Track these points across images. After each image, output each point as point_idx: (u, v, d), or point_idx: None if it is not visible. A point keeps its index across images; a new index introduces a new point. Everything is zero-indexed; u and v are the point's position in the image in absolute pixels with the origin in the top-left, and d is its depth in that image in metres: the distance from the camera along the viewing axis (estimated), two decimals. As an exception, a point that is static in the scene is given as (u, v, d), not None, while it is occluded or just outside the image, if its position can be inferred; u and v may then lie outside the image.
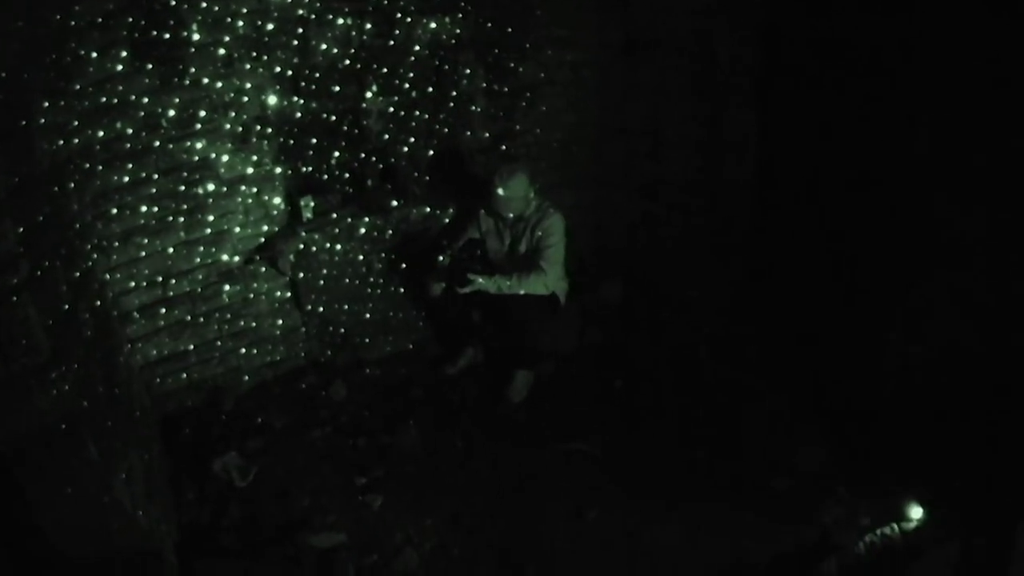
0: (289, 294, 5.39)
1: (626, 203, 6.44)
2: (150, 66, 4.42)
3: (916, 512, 4.31)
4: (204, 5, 4.52)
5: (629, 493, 4.70)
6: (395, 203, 5.64)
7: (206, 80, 4.67)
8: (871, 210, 4.95)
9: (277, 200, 5.17)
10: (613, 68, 6.11)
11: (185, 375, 5.14)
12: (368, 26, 5.18)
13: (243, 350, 5.34)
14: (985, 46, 4.12)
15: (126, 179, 4.53)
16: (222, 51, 4.68)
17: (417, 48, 5.41)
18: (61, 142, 3.99)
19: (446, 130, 5.73)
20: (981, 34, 4.12)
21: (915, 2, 4.42)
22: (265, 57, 4.86)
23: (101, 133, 4.34)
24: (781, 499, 4.62)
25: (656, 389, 5.53)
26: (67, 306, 3.31)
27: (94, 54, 4.20)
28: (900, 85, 4.65)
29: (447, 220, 5.88)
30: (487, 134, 5.92)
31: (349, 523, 4.44)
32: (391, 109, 5.48)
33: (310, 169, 5.35)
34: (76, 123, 4.19)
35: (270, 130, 5.01)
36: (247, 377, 5.41)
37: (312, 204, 5.30)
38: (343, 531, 4.37)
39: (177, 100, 4.58)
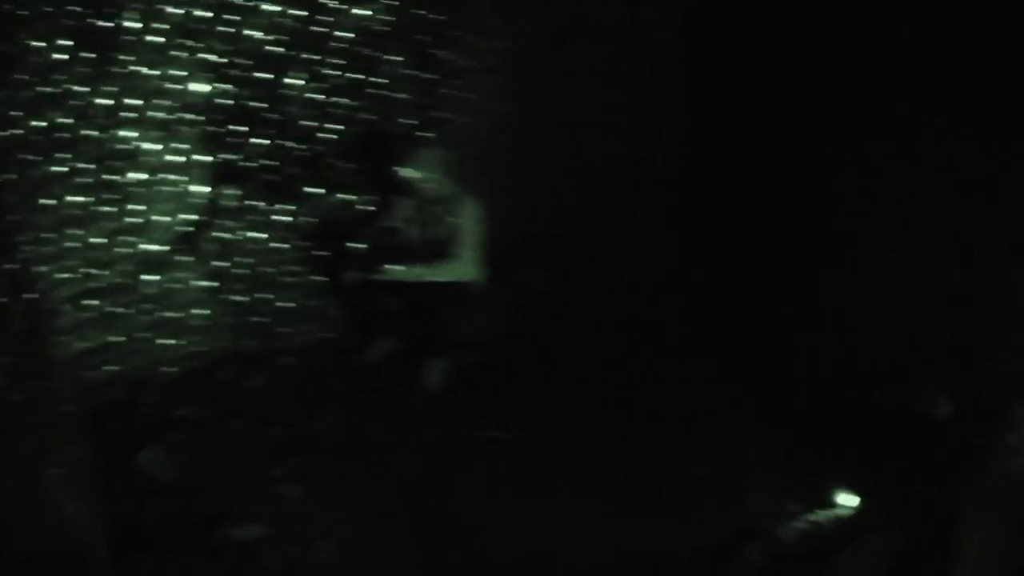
0: (209, 283, 6.00)
1: (548, 189, 7.18)
2: (90, 55, 5.00)
3: (848, 499, 4.83)
4: None
5: (549, 480, 5.28)
6: (314, 190, 6.30)
7: (138, 68, 5.24)
8: (790, 201, 5.82)
9: (199, 189, 5.80)
10: (540, 56, 6.87)
11: (113, 367, 5.66)
12: (296, 12, 5.81)
13: (167, 341, 5.90)
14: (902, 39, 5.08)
15: (62, 170, 5.10)
16: (156, 39, 5.26)
17: (343, 34, 6.05)
18: (4, 133, 4.61)
19: (368, 117, 6.37)
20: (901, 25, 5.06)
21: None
22: (195, 44, 5.45)
23: (41, 123, 4.90)
24: (702, 485, 5.22)
25: (576, 374, 6.25)
26: (3, 299, 3.82)
27: (39, 43, 4.78)
28: (825, 76, 5.50)
29: (364, 207, 6.54)
30: (409, 121, 6.60)
31: (269, 514, 4.96)
32: (314, 96, 6.12)
33: (232, 157, 5.93)
34: (18, 113, 4.75)
35: (195, 118, 5.61)
36: (171, 368, 5.96)
37: (232, 192, 5.94)
38: (263, 522, 4.89)
39: (111, 89, 5.17)
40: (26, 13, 4.72)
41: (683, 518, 4.96)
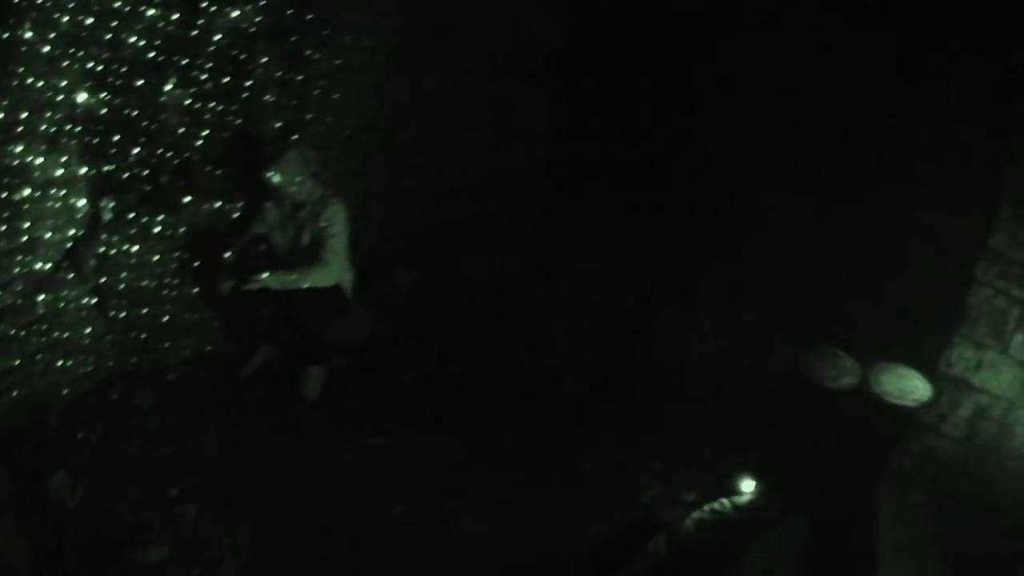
0: (94, 300, 5.85)
1: (417, 188, 7.33)
2: None
3: (747, 484, 5.10)
4: (38, 1, 4.97)
5: (434, 483, 5.50)
6: (187, 200, 6.22)
7: (30, 80, 5.05)
8: (661, 193, 6.28)
9: (81, 202, 5.62)
10: (408, 52, 7.00)
11: (15, 392, 5.48)
12: (174, 16, 5.71)
13: (60, 362, 5.72)
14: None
15: None
16: (47, 49, 5.09)
17: (217, 38, 6.00)
18: None
19: (238, 121, 6.34)
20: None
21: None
22: (81, 53, 5.29)
23: None
24: (590, 480, 5.51)
25: (452, 377, 6.46)
26: None
27: None
28: (698, 74, 5.95)
29: (235, 215, 6.53)
30: (278, 124, 6.62)
31: (169, 536, 4.99)
32: (187, 102, 6.02)
33: (112, 168, 5.79)
34: None
35: (78, 129, 5.45)
36: (67, 390, 5.80)
37: (111, 205, 5.76)
38: (165, 545, 4.93)
39: (5, 103, 5.00)
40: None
41: (575, 515, 5.23)
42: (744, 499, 5.07)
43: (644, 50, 6.39)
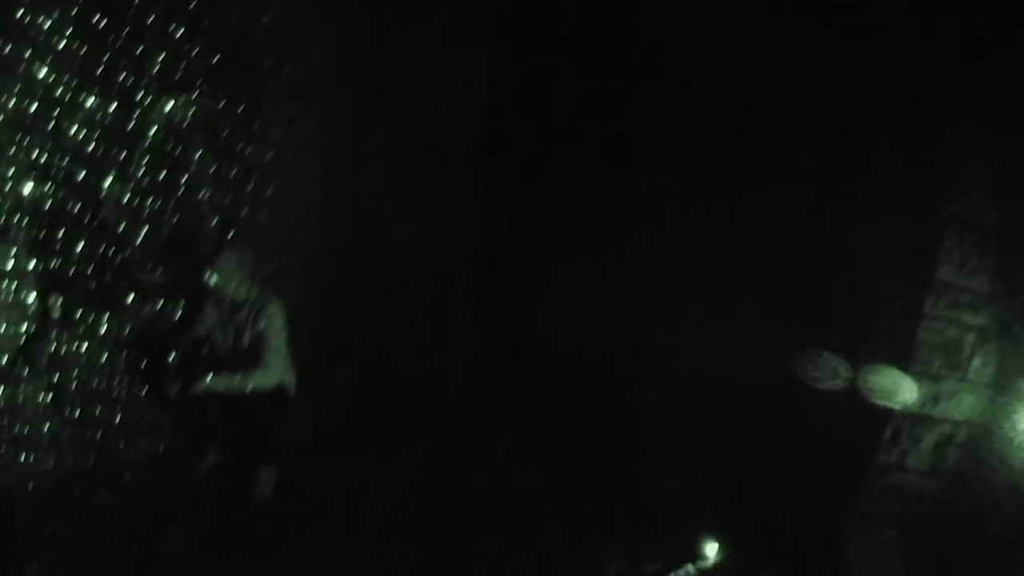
0: (50, 398, 5.69)
1: (354, 281, 7.29)
2: None
3: (711, 548, 5.07)
4: None
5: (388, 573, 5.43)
6: (130, 299, 6.12)
7: None
8: (597, 278, 6.38)
9: (31, 298, 5.52)
10: (339, 143, 7.09)
11: None
12: (112, 108, 5.75)
13: (23, 457, 5.55)
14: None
15: None
16: None
17: (152, 131, 6.01)
18: None
19: (175, 218, 6.32)
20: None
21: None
22: (25, 142, 5.30)
23: None
24: (551, 559, 5.43)
25: (400, 466, 6.36)
26: None
27: None
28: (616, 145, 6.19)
29: (178, 315, 6.43)
30: (213, 221, 6.58)
31: None
32: (126, 197, 6.02)
33: (59, 263, 5.69)
34: None
35: (26, 222, 5.40)
36: (32, 486, 5.59)
37: (60, 302, 5.65)
38: None
39: None
40: None
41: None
42: (709, 563, 5.06)
43: (571, 126, 6.55)
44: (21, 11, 5.20)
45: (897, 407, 4.71)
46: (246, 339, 5.92)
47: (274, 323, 5.87)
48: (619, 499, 5.78)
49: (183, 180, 6.37)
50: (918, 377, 4.66)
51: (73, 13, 5.43)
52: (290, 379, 6.10)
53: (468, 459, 6.45)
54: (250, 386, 5.79)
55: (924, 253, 4.69)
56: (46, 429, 5.75)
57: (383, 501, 6.04)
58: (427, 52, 6.89)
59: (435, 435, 6.73)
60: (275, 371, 5.88)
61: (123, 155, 5.96)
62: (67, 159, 5.64)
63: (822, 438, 5.06)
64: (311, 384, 6.54)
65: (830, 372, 4.93)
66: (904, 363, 4.68)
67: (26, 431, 5.62)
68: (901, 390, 4.72)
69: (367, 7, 6.96)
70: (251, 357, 5.84)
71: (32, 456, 5.69)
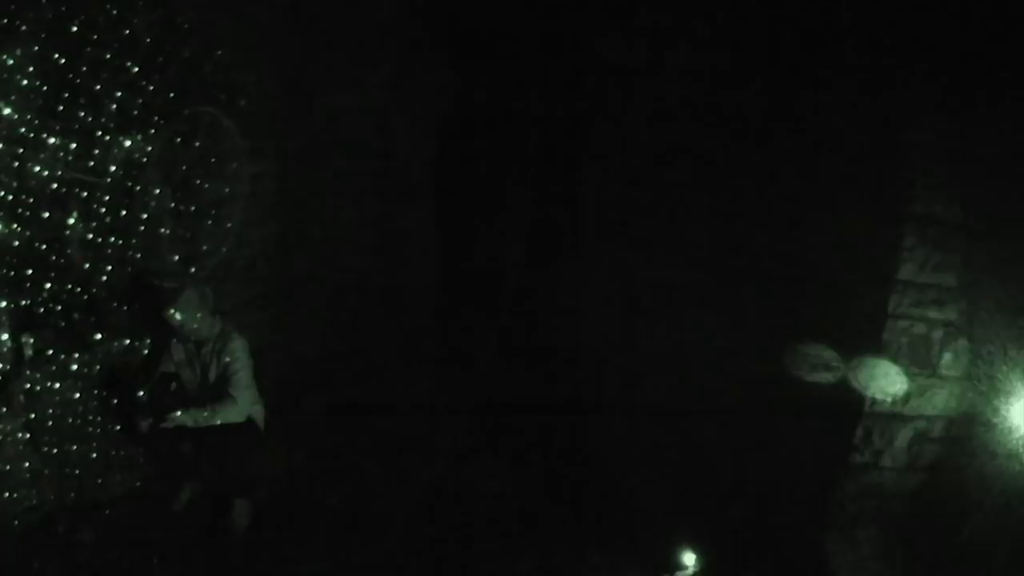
0: (27, 435, 5.61)
1: (315, 313, 7.30)
2: None
3: (689, 558, 5.13)
4: None
5: None
6: (98, 337, 6.05)
7: None
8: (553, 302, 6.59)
9: (4, 336, 5.48)
10: (294, 176, 7.10)
11: None
12: (73, 146, 5.68)
13: (7, 494, 5.46)
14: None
15: None
16: None
17: (113, 169, 5.96)
18: None
19: (138, 256, 6.27)
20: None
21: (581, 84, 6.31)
22: None
23: None
24: None
25: (373, 499, 6.37)
26: None
27: None
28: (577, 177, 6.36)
29: (145, 352, 6.37)
30: (175, 257, 6.53)
31: None
32: (89, 235, 5.93)
33: (28, 303, 5.61)
34: None
35: None
36: (15, 522, 5.51)
37: (31, 341, 5.59)
38: None
39: None
40: None
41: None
42: (689, 573, 5.08)
43: (527, 148, 6.73)
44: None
45: (880, 400, 4.81)
46: (213, 374, 5.94)
47: (238, 358, 5.90)
48: (595, 513, 5.86)
49: (143, 217, 6.28)
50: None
51: (33, 51, 5.37)
52: (259, 413, 6.09)
53: (439, 481, 6.53)
54: (219, 420, 5.78)
55: (886, 253, 4.79)
56: (27, 466, 5.66)
57: (359, 527, 6.06)
58: (379, 80, 6.86)
59: (406, 461, 6.74)
60: (243, 405, 5.89)
61: (84, 193, 5.88)
62: (32, 199, 5.54)
63: (796, 440, 5.17)
64: (280, 417, 6.52)
65: (801, 374, 5.03)
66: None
67: (8, 467, 5.56)
68: (884, 382, 4.82)
69: (316, 39, 6.93)
70: (219, 392, 5.85)
71: (15, 493, 5.59)
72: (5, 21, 5.18)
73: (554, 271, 6.62)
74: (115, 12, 5.76)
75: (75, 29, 5.56)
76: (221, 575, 5.65)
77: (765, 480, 5.32)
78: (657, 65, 5.97)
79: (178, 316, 5.81)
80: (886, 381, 4.86)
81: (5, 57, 5.24)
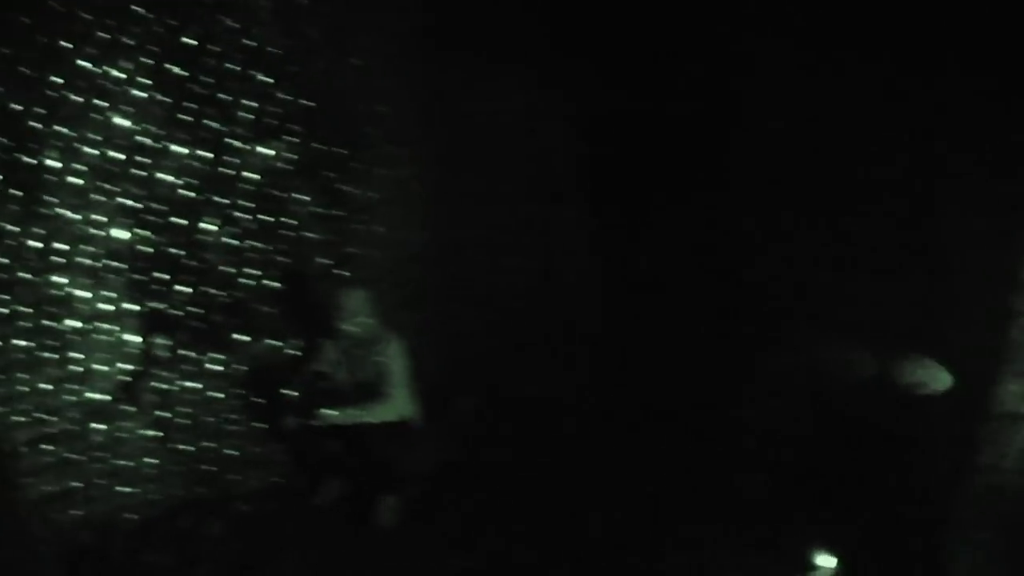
0: (156, 433, 5.89)
1: (467, 314, 7.27)
2: (17, 193, 5.09)
3: (826, 560, 4.81)
4: (62, 130, 5.20)
5: None
6: (242, 338, 6.25)
7: (63, 211, 5.28)
8: (706, 296, 6.18)
9: (133, 338, 5.73)
10: (444, 181, 7.10)
11: (76, 512, 5.52)
12: (203, 154, 5.90)
13: (124, 488, 5.73)
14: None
15: (3, 311, 5.11)
16: (76, 181, 5.32)
17: (250, 176, 6.16)
18: None
19: (284, 259, 6.43)
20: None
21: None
22: (113, 188, 5.50)
23: None
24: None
25: (522, 496, 6.20)
26: None
27: None
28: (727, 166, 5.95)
29: (293, 352, 6.51)
30: (324, 260, 6.66)
31: None
32: (230, 241, 6.15)
33: (162, 306, 5.87)
34: None
35: (123, 265, 5.60)
36: (132, 515, 5.76)
37: (165, 342, 5.86)
38: None
39: (39, 231, 5.19)
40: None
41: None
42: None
43: (671, 155, 6.32)
44: (98, 63, 5.45)
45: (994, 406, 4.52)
46: (367, 373, 5.93)
47: (395, 357, 5.87)
48: (730, 515, 5.59)
49: (288, 222, 6.45)
50: (1009, 377, 4.43)
51: (151, 64, 5.64)
52: (412, 411, 6.06)
53: (584, 482, 6.32)
54: (373, 418, 5.79)
55: (1012, 251, 4.48)
56: (152, 462, 5.92)
57: (504, 527, 5.90)
58: (527, 83, 6.75)
59: (551, 462, 6.60)
60: (397, 404, 5.87)
61: (222, 199, 6.10)
62: (161, 205, 5.80)
63: (919, 442, 5.00)
64: (432, 415, 6.48)
65: (926, 376, 4.84)
66: (998, 363, 4.47)
67: (129, 463, 5.81)
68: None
69: (459, 43, 6.89)
70: (373, 391, 5.85)
71: (133, 487, 5.85)
72: (111, 36, 5.42)
73: (708, 269, 6.18)
74: (234, 24, 5.87)
75: (191, 41, 5.70)
76: (366, 571, 5.57)
77: (892, 479, 5.12)
78: (812, 66, 5.54)
79: (336, 317, 5.83)
80: (1014, 382, 4.46)
81: (114, 70, 5.45)
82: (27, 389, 5.28)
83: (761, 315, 5.92)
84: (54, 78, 5.23)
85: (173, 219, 5.92)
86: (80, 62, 5.33)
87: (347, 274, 6.84)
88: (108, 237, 5.60)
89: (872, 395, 5.13)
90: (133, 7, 5.48)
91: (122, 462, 5.78)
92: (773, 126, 5.82)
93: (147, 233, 5.81)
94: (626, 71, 6.40)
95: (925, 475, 4.89)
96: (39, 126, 5.18)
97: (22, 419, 5.27)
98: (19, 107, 5.12)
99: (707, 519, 5.65)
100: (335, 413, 5.74)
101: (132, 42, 5.51)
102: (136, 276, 5.78)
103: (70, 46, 5.27)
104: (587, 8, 6.43)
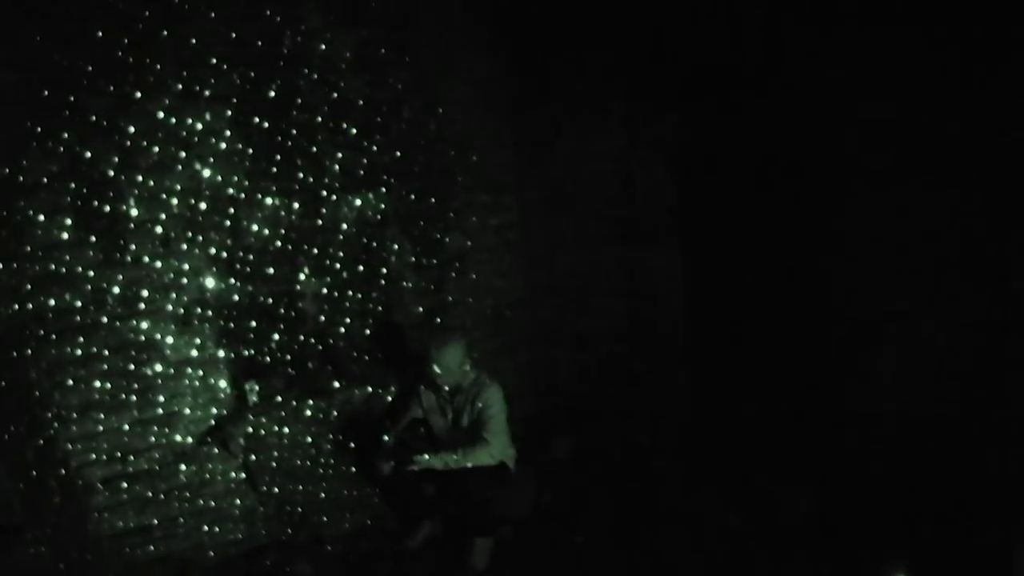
0: (243, 475, 5.97)
1: (563, 359, 7.25)
2: (93, 239, 5.26)
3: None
4: (140, 179, 5.41)
5: None
6: (337, 385, 6.32)
7: (146, 259, 5.48)
8: (795, 341, 6.00)
9: (223, 383, 5.85)
10: (536, 226, 7.12)
11: (152, 548, 5.67)
12: (296, 206, 6.05)
13: (205, 527, 5.85)
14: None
15: (79, 352, 5.28)
16: (159, 229, 5.51)
17: (344, 226, 6.27)
18: (16, 306, 4.82)
19: (379, 308, 6.51)
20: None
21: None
22: (200, 238, 5.67)
23: (52, 302, 5.14)
24: None
25: (619, 540, 6.03)
26: (34, 472, 3.90)
27: (40, 217, 5.08)
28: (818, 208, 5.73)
29: (389, 399, 6.52)
30: (420, 309, 6.72)
31: None
32: (324, 290, 6.25)
33: (252, 352, 6.01)
34: (28, 287, 5.00)
35: (211, 313, 5.76)
36: (212, 554, 5.89)
37: (257, 388, 5.93)
38: None
39: (120, 277, 5.37)
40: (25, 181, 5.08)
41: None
42: None
43: (764, 199, 6.11)
44: (182, 117, 5.66)
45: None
46: (466, 420, 5.93)
47: (493, 403, 5.84)
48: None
49: (383, 271, 6.54)
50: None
51: (235, 118, 5.84)
52: (511, 456, 6.02)
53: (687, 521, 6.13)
54: (470, 463, 5.76)
55: None
56: (237, 503, 6.02)
57: (599, 570, 5.76)
58: (614, 125, 6.72)
59: (644, 504, 6.43)
60: (496, 449, 5.83)
61: (315, 251, 6.21)
62: (252, 256, 5.94)
63: (995, 447, 4.99)
64: (530, 458, 6.47)
65: None
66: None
67: (212, 504, 5.94)
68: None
69: (546, 90, 6.91)
70: (472, 437, 5.83)
71: (218, 527, 5.97)
72: (189, 88, 5.64)
73: (800, 299, 6.00)
74: (316, 77, 6.03)
75: (272, 94, 5.88)
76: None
77: (960, 489, 5.04)
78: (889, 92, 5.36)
79: (435, 366, 5.81)
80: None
81: (194, 122, 5.67)
82: (105, 429, 5.47)
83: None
84: (131, 128, 5.46)
85: (265, 269, 6.07)
86: (160, 113, 5.54)
87: (443, 321, 6.87)
88: (198, 285, 5.79)
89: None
90: (212, 60, 5.69)
91: (206, 503, 5.91)
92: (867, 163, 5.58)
93: (237, 282, 5.95)
94: (716, 112, 6.24)
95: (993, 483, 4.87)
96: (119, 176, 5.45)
97: (100, 457, 5.47)
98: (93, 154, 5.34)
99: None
100: (433, 458, 5.72)
101: (211, 93, 5.70)
102: (227, 323, 5.93)
103: (145, 96, 5.48)
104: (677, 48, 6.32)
